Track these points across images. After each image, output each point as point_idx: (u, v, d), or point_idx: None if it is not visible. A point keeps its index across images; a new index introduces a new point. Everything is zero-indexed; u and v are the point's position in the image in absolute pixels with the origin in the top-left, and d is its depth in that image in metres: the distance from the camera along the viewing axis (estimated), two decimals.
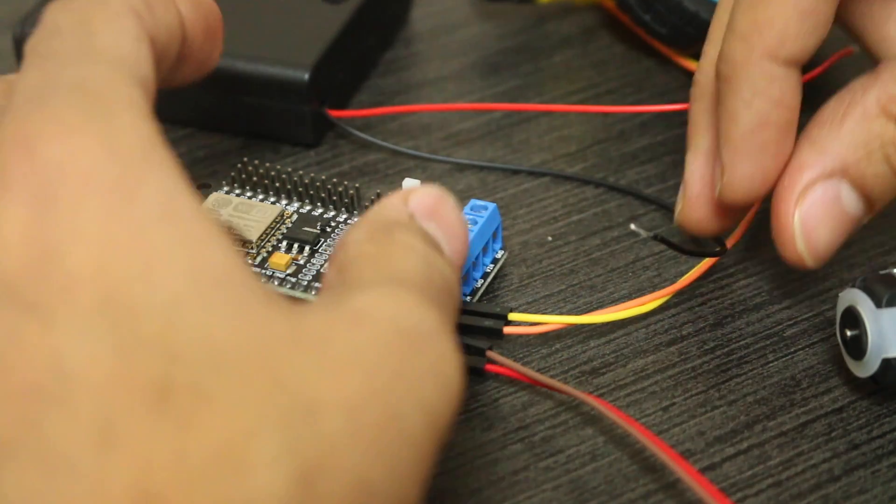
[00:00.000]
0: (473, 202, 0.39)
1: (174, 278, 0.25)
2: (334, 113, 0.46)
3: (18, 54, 0.47)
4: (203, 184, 0.41)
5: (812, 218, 0.35)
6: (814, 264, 0.36)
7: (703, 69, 0.38)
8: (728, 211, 0.38)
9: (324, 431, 0.24)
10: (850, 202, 0.36)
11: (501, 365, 0.35)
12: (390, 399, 0.25)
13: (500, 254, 0.40)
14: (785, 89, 0.35)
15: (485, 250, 0.39)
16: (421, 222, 0.31)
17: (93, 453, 0.23)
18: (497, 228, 0.40)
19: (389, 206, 0.31)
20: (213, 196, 0.40)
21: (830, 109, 0.36)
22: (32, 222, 0.25)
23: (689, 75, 0.46)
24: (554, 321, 0.37)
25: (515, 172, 0.45)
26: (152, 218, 0.25)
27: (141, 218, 0.25)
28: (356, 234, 0.30)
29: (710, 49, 0.38)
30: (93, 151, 0.25)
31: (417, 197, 0.31)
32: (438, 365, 0.26)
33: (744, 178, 0.36)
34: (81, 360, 0.24)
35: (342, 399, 0.25)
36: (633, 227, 0.36)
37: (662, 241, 0.37)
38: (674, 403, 0.36)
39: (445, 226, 0.31)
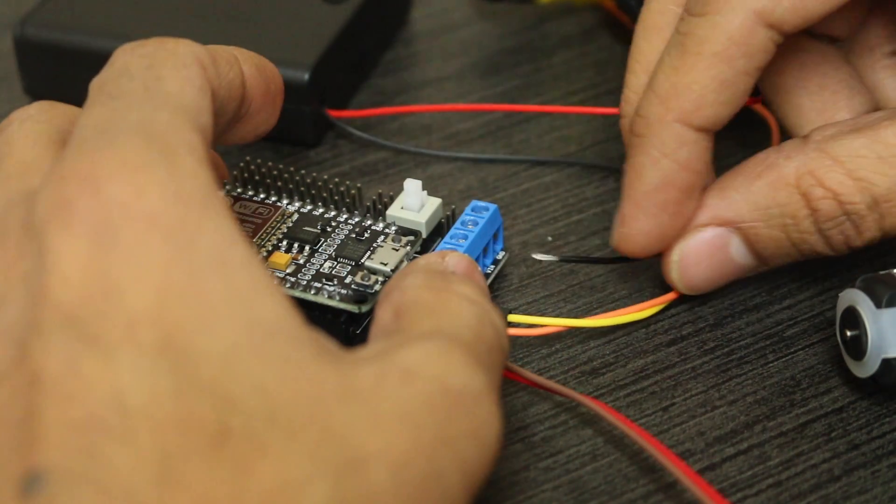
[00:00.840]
0: (475, 203, 0.39)
1: (231, 327, 0.26)
2: (334, 113, 0.46)
3: (18, 54, 0.47)
4: None
5: (692, 256, 0.37)
6: (689, 293, 0.38)
7: (627, 113, 0.39)
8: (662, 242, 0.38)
9: (370, 484, 0.25)
10: (739, 253, 0.37)
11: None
12: (433, 457, 0.26)
13: (500, 255, 0.40)
14: (693, 154, 0.36)
15: (485, 251, 0.39)
16: None
17: (153, 487, 0.23)
18: (498, 229, 0.40)
19: (434, 261, 0.33)
20: None
21: (754, 162, 0.37)
22: (94, 257, 0.25)
23: None
24: (553, 324, 0.37)
25: (521, 165, 0.45)
26: (211, 265, 0.26)
27: (200, 264, 0.26)
28: (414, 279, 0.31)
29: (629, 94, 0.39)
30: (157, 192, 0.26)
31: (454, 259, 0.33)
32: (480, 428, 0.27)
33: (640, 233, 0.37)
34: (143, 398, 0.24)
35: (389, 454, 0.25)
36: (536, 256, 0.39)
37: (569, 260, 0.39)
38: (674, 403, 0.36)
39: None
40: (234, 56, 0.32)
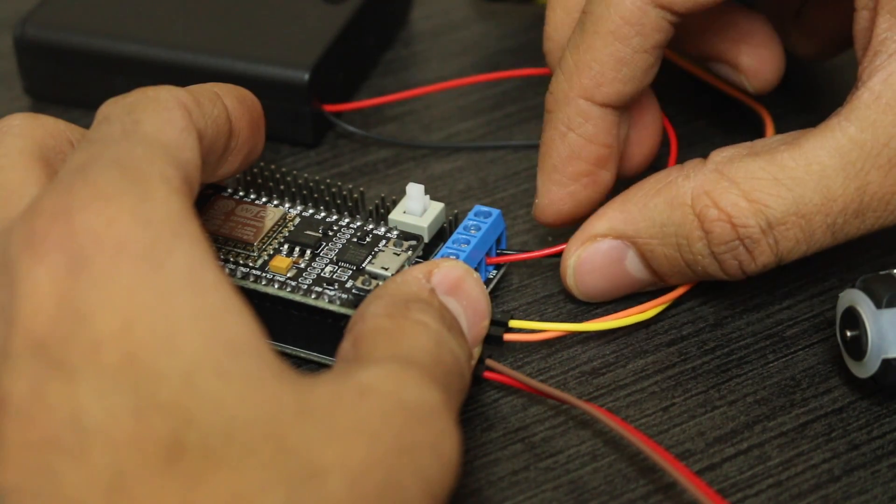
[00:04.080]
0: (478, 208, 0.39)
1: (194, 346, 0.26)
2: (329, 107, 0.46)
3: (18, 54, 0.47)
4: (212, 185, 0.40)
5: (588, 265, 0.38)
6: (585, 300, 0.39)
7: (549, 49, 0.41)
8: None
9: (327, 493, 0.25)
10: (635, 267, 0.37)
11: (499, 373, 0.35)
12: (391, 468, 0.26)
13: None
14: (600, 128, 0.38)
15: (489, 255, 0.39)
16: (442, 297, 0.33)
17: (102, 502, 0.24)
18: (501, 234, 0.40)
19: (411, 279, 0.33)
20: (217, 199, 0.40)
21: (656, 178, 0.37)
22: (66, 285, 0.26)
23: (688, 75, 0.46)
24: (553, 328, 0.37)
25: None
26: (178, 286, 0.27)
27: (167, 286, 0.27)
28: (375, 308, 0.32)
29: (549, 30, 0.41)
30: (126, 220, 0.27)
31: (441, 272, 0.33)
32: (438, 440, 0.28)
33: (552, 202, 0.38)
34: (100, 417, 0.25)
35: (346, 465, 0.26)
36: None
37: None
38: (674, 404, 0.37)
39: (467, 301, 0.33)
40: (215, 93, 0.33)
